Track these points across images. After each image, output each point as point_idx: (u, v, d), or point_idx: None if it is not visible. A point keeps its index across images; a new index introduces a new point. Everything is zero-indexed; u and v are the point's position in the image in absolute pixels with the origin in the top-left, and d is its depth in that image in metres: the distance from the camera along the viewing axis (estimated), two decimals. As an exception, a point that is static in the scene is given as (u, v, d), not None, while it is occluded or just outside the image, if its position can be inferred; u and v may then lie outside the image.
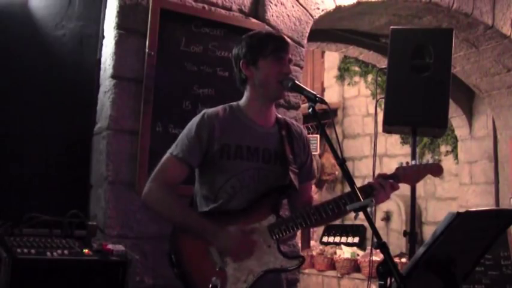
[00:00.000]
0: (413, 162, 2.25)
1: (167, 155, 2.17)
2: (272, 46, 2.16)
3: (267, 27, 3.37)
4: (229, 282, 2.01)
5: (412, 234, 3.07)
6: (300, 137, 2.30)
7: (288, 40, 2.25)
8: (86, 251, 2.30)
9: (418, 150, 6.20)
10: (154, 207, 2.17)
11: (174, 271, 2.04)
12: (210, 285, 1.89)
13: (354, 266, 5.89)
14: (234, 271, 2.03)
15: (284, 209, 2.40)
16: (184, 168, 2.14)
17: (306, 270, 6.29)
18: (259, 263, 2.06)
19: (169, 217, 2.14)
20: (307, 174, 2.31)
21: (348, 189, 1.95)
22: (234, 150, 2.14)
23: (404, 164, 2.23)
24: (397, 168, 2.21)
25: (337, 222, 6.96)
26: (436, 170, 2.25)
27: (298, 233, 5.16)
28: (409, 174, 2.21)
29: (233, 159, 2.13)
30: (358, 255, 5.98)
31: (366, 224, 6.15)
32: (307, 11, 3.63)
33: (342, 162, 1.86)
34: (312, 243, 7.20)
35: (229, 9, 3.32)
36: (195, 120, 2.19)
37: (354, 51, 5.30)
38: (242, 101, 2.25)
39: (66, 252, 2.24)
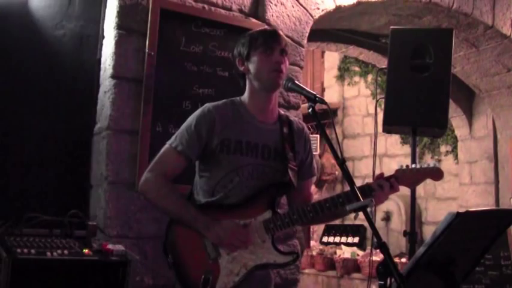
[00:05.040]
0: (413, 166, 2.23)
1: (166, 145, 2.19)
2: (262, 39, 2.19)
3: (267, 27, 3.37)
4: (222, 274, 2.03)
5: (412, 234, 3.07)
6: (301, 134, 2.31)
7: (280, 32, 2.26)
8: (86, 251, 2.29)
9: (418, 150, 6.21)
10: (150, 196, 2.17)
11: (167, 260, 2.06)
12: (203, 277, 1.90)
13: (354, 266, 5.89)
14: (227, 263, 2.05)
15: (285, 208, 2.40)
16: (183, 160, 2.16)
17: (306, 270, 6.29)
18: (252, 257, 2.07)
19: (164, 207, 2.15)
20: (307, 172, 2.32)
21: (348, 189, 1.95)
22: (234, 145, 2.15)
23: (404, 167, 2.22)
24: (397, 170, 2.19)
25: (337, 222, 6.98)
26: (436, 174, 2.19)
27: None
28: (409, 177, 2.18)
29: (232, 153, 2.14)
30: (358, 255, 5.99)
31: (366, 224, 6.17)
32: (307, 11, 3.63)
33: (342, 162, 1.86)
34: (312, 243, 7.21)
35: (229, 9, 3.32)
36: (196, 113, 2.20)
37: (354, 51, 5.30)
38: (243, 96, 2.27)
39: (66, 252, 2.24)
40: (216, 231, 2.05)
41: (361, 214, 1.79)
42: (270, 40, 2.18)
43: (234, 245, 2.05)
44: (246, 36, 2.25)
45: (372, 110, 7.24)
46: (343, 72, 7.65)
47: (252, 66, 2.19)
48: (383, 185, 2.12)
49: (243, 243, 2.06)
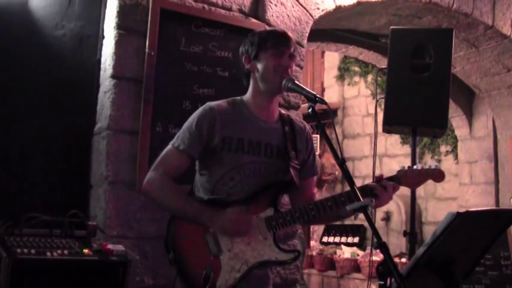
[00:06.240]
0: (415, 167, 2.23)
1: (169, 146, 2.21)
2: (272, 40, 2.19)
3: (267, 27, 3.37)
4: (223, 270, 2.04)
5: (412, 234, 3.07)
6: (303, 133, 2.32)
7: (291, 36, 2.25)
8: (86, 251, 2.29)
9: (418, 150, 6.21)
10: (154, 195, 2.18)
11: (169, 257, 2.07)
12: (204, 273, 1.90)
13: (354, 266, 5.90)
14: (228, 260, 2.05)
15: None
16: (185, 159, 2.17)
17: (306, 270, 6.29)
18: (254, 254, 2.07)
19: (168, 205, 2.16)
20: (309, 170, 2.32)
21: (348, 189, 1.95)
22: (236, 143, 2.15)
23: (406, 168, 2.22)
24: (399, 171, 2.19)
25: (337, 222, 6.98)
26: (438, 175, 2.20)
27: (298, 232, 5.16)
28: (410, 178, 2.19)
29: (234, 151, 2.15)
30: (358, 255, 5.99)
31: (366, 224, 6.16)
32: (307, 11, 3.63)
33: (342, 162, 1.86)
34: (312, 243, 7.20)
35: (229, 9, 3.32)
36: (197, 112, 2.21)
37: (354, 51, 5.30)
38: (246, 96, 2.27)
39: (66, 252, 2.24)
40: (221, 223, 2.05)
41: (361, 214, 1.79)
42: (281, 43, 2.18)
43: (241, 231, 2.06)
44: (255, 35, 2.25)
45: (372, 110, 7.24)
46: (343, 72, 7.65)
47: (260, 67, 2.19)
48: (386, 186, 2.12)
49: (249, 227, 2.06)
